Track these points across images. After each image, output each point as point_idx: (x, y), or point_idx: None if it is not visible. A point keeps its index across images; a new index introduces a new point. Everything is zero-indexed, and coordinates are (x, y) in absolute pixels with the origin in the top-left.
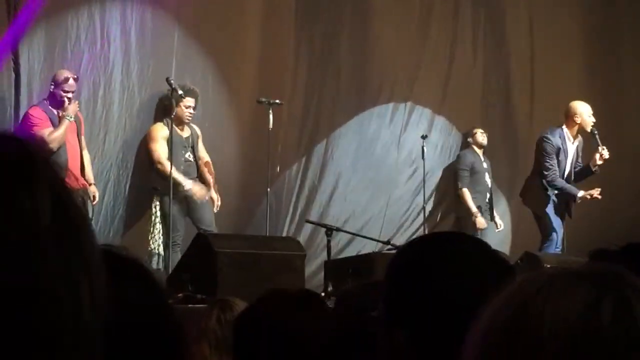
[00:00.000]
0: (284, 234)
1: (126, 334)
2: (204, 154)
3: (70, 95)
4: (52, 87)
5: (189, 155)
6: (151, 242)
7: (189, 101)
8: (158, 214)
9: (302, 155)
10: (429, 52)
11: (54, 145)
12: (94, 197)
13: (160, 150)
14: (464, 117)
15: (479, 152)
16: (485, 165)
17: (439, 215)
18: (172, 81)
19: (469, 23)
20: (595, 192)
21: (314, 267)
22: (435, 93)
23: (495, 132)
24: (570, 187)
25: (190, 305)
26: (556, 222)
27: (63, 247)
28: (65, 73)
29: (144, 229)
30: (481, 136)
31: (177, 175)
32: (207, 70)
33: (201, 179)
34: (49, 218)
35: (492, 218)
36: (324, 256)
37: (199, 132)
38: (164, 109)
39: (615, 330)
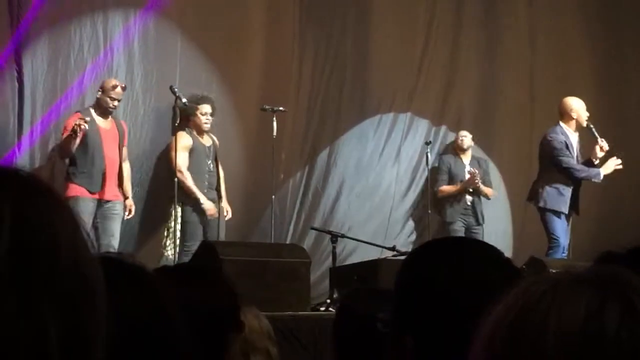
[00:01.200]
0: (288, 241)
1: (125, 344)
2: (218, 162)
3: (116, 102)
4: (100, 93)
5: (210, 164)
6: (169, 249)
7: (205, 108)
8: (179, 221)
9: (305, 163)
10: (429, 63)
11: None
12: (130, 210)
13: (180, 159)
14: (463, 126)
15: (461, 155)
16: (467, 168)
17: (439, 221)
18: (175, 89)
19: (469, 34)
20: (618, 161)
21: (318, 274)
22: (435, 103)
23: (496, 141)
24: (592, 172)
25: None
26: (562, 226)
27: (21, 279)
28: (114, 81)
29: (152, 237)
30: (464, 139)
31: (194, 188)
32: (211, 78)
33: (218, 192)
34: (6, 245)
35: (479, 222)
36: (328, 263)
37: (217, 142)
38: (186, 118)
39: (620, 337)
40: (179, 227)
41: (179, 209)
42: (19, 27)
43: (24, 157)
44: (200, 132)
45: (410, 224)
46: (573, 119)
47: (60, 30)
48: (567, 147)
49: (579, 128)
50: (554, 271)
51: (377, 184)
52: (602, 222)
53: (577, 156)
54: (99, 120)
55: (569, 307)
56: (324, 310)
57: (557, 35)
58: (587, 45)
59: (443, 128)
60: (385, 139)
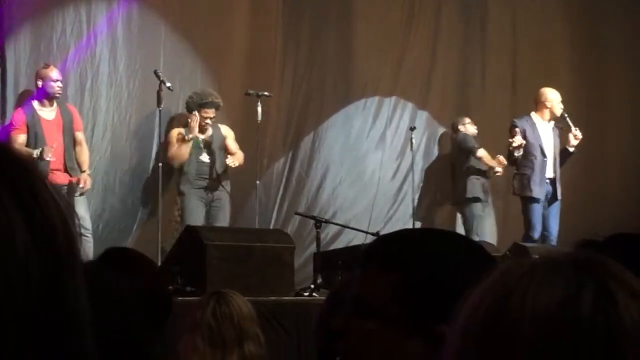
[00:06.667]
0: (272, 226)
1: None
2: (234, 149)
3: (59, 83)
4: (40, 82)
5: (204, 157)
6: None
7: (209, 112)
8: (177, 212)
9: (289, 148)
10: (412, 47)
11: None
12: (85, 182)
13: (171, 149)
14: (447, 110)
15: None
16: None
17: (427, 206)
18: (160, 74)
19: (452, 18)
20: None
21: (302, 259)
22: (419, 87)
23: (479, 128)
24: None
25: (180, 298)
26: (537, 212)
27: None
28: (49, 67)
29: (139, 222)
30: (471, 126)
31: (179, 144)
32: (195, 63)
33: (217, 181)
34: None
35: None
36: (312, 248)
37: (224, 132)
38: (187, 109)
39: (595, 320)
40: (179, 218)
41: (180, 201)
42: (1, 11)
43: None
44: (200, 128)
45: (395, 209)
46: (547, 108)
47: (42, 15)
48: (524, 134)
49: (553, 117)
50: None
51: (361, 170)
52: (584, 210)
53: (556, 144)
54: (41, 111)
55: (544, 292)
56: (307, 296)
57: (539, 23)
58: (568, 35)
59: (426, 114)
60: (369, 123)
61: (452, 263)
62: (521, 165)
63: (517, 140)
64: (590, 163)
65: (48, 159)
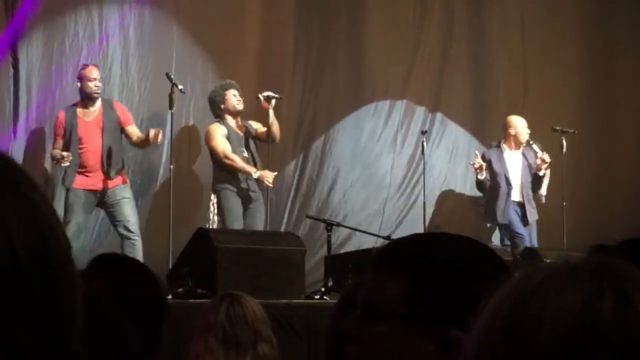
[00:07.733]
0: (283, 229)
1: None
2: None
3: (98, 84)
4: (79, 83)
5: (244, 151)
6: None
7: (232, 91)
8: (215, 209)
9: (300, 151)
10: (423, 49)
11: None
12: (156, 136)
13: (222, 146)
14: (459, 114)
15: None
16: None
17: (440, 210)
18: (172, 76)
19: (462, 20)
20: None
21: (313, 262)
22: (430, 91)
23: (486, 132)
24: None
25: (190, 301)
26: (518, 231)
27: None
28: (88, 67)
29: (151, 223)
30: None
31: (243, 165)
32: (207, 65)
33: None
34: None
35: None
36: (323, 251)
37: (255, 126)
38: (215, 106)
39: (615, 325)
40: (217, 214)
41: (217, 197)
42: (14, 13)
43: (19, 143)
44: (234, 115)
45: (406, 213)
46: (512, 135)
47: (55, 17)
48: (490, 163)
49: (519, 144)
50: (548, 261)
51: (372, 173)
52: (592, 216)
53: (524, 169)
54: (81, 112)
55: (565, 297)
56: (318, 299)
57: (548, 23)
58: (578, 35)
59: (438, 116)
60: (381, 127)
61: (462, 267)
62: (489, 193)
63: (477, 162)
64: (598, 165)
65: (63, 165)
